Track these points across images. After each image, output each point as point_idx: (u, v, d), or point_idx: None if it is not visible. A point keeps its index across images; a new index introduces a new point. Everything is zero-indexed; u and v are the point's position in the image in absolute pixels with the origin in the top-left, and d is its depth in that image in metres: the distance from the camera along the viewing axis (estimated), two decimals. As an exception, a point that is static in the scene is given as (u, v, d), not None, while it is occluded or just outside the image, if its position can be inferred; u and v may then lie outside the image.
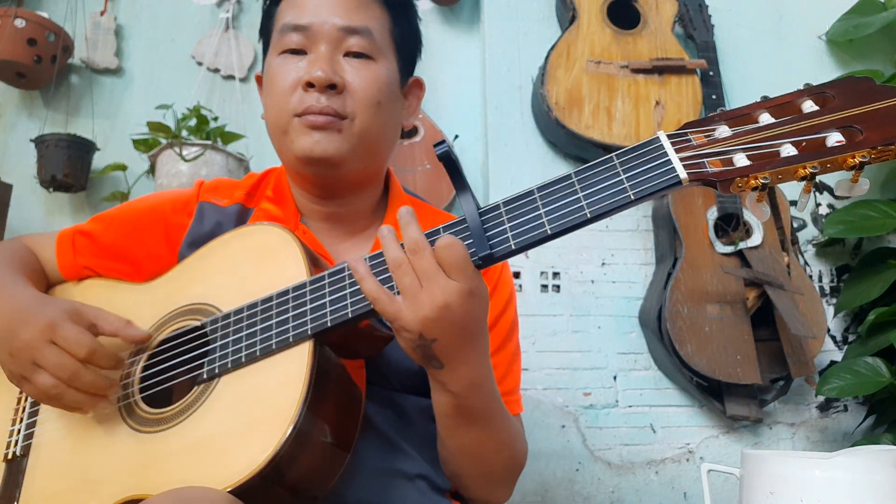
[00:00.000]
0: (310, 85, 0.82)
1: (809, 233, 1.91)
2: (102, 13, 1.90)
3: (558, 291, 1.79)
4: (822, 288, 1.88)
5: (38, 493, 0.76)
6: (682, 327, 1.63)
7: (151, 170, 1.74)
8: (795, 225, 1.87)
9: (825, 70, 2.02)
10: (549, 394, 1.72)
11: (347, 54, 0.85)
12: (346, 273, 0.71)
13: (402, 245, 0.66)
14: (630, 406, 1.75)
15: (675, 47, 1.85)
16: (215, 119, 1.75)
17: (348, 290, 0.70)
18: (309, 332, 0.70)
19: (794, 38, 2.05)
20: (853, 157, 0.57)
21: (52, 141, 1.68)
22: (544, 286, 1.79)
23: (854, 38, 1.96)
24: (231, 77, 1.93)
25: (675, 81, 1.82)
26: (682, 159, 0.62)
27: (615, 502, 1.69)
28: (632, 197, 0.62)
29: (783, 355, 1.65)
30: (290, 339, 0.70)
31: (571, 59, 1.81)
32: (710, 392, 1.70)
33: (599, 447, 1.71)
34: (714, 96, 1.81)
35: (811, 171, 0.58)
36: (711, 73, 1.84)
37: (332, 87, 0.82)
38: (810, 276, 1.76)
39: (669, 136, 0.64)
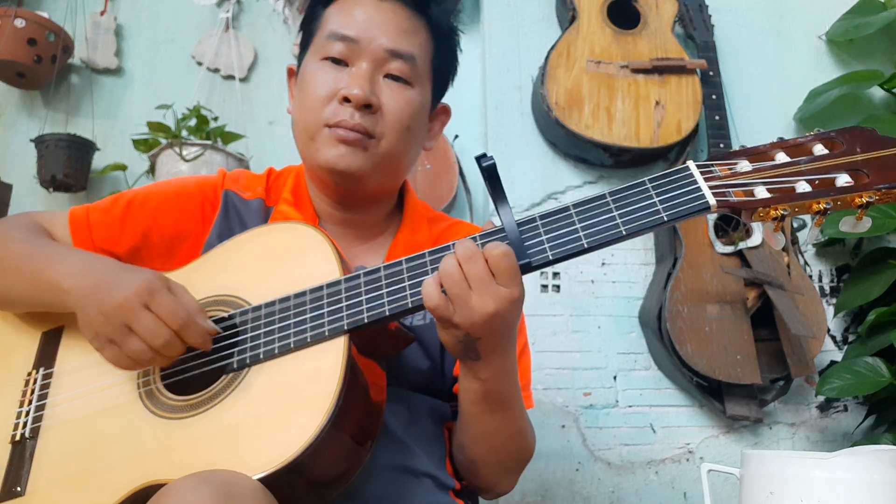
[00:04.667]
0: (346, 100, 0.84)
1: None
2: (102, 13, 1.90)
3: (558, 291, 1.79)
4: (822, 288, 1.88)
5: (47, 476, 0.75)
6: (682, 327, 1.63)
7: (151, 170, 1.74)
8: (795, 225, 1.87)
9: (825, 70, 2.02)
10: (549, 394, 1.72)
11: (387, 76, 0.88)
12: (382, 274, 0.75)
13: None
14: (630, 406, 1.75)
15: (675, 47, 1.85)
16: (215, 119, 1.75)
17: (385, 290, 0.73)
18: (345, 328, 0.72)
19: (794, 38, 2.05)
20: (861, 197, 0.66)
21: (52, 141, 1.68)
22: (544, 286, 1.79)
23: (854, 38, 1.96)
24: (231, 77, 1.93)
25: (675, 81, 1.81)
26: (710, 188, 0.68)
27: (615, 502, 1.69)
28: (665, 218, 0.68)
29: (783, 355, 1.65)
30: (326, 333, 0.72)
31: (571, 59, 1.81)
32: (710, 392, 1.70)
33: (599, 447, 1.71)
34: (714, 96, 1.81)
35: (825, 206, 0.66)
36: (711, 73, 1.84)
37: (367, 107, 0.85)
38: (810, 276, 1.75)
39: (698, 166, 0.70)
